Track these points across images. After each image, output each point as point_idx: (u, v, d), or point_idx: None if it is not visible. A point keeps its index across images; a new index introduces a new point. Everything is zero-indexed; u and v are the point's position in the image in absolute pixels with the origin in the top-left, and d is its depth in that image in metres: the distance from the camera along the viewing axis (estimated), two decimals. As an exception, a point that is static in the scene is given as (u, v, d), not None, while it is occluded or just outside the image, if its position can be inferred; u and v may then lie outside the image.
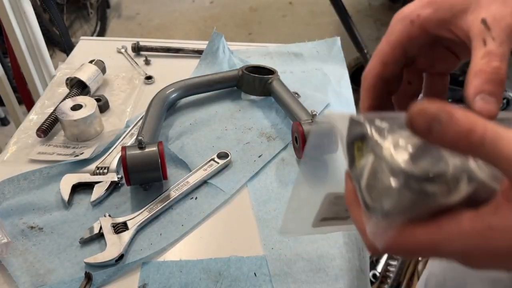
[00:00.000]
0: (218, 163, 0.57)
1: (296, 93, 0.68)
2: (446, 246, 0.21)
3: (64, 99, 0.66)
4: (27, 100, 1.06)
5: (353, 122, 0.23)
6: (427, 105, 0.20)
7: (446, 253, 0.21)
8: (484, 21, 0.25)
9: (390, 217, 0.21)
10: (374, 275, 1.08)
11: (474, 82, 0.23)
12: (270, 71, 0.69)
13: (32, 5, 0.90)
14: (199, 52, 0.79)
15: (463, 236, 0.20)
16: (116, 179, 0.55)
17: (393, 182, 0.20)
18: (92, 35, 2.09)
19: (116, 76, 0.75)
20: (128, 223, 0.49)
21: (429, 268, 0.66)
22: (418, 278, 0.84)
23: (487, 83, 0.23)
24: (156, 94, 0.65)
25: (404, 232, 0.21)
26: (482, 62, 0.24)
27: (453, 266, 0.57)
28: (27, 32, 0.89)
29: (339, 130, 0.24)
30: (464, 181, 0.20)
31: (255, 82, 0.67)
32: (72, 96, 0.66)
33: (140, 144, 0.52)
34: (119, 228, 0.49)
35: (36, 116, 0.66)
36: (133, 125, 0.64)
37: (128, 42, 0.82)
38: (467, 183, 0.21)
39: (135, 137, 0.60)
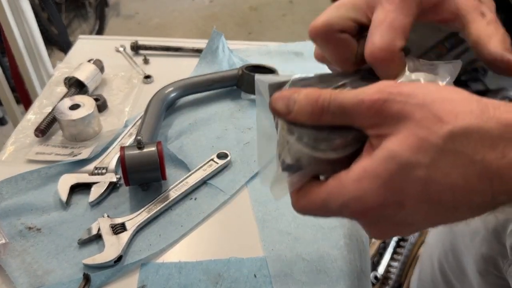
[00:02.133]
0: (217, 163, 0.56)
1: (296, 93, 0.68)
2: (332, 202, 0.23)
3: (62, 98, 0.65)
4: (25, 99, 1.06)
5: (274, 86, 0.27)
6: (282, 91, 0.25)
7: (335, 208, 0.23)
8: None
9: (290, 169, 0.25)
10: (375, 277, 1.08)
11: (492, 45, 0.25)
12: (270, 71, 0.68)
13: (30, 4, 0.90)
14: (198, 51, 0.79)
15: (342, 189, 0.23)
16: (114, 180, 0.54)
17: (289, 138, 0.25)
18: (90, 34, 2.09)
19: (115, 75, 0.74)
20: (127, 224, 0.49)
21: (426, 241, 0.67)
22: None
23: (504, 44, 0.26)
24: (155, 94, 0.64)
25: (304, 192, 0.25)
26: (491, 28, 0.26)
27: (445, 229, 0.58)
28: (25, 31, 0.89)
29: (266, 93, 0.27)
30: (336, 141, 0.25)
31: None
32: (70, 96, 0.65)
33: (139, 144, 0.51)
34: (118, 229, 0.48)
35: (34, 116, 0.66)
36: (131, 125, 0.63)
37: (127, 41, 0.81)
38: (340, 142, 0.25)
39: (134, 137, 0.60)
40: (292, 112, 0.24)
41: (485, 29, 0.26)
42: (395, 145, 0.21)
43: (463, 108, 0.21)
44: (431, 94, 0.21)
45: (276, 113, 0.25)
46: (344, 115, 0.23)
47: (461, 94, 0.22)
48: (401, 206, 0.22)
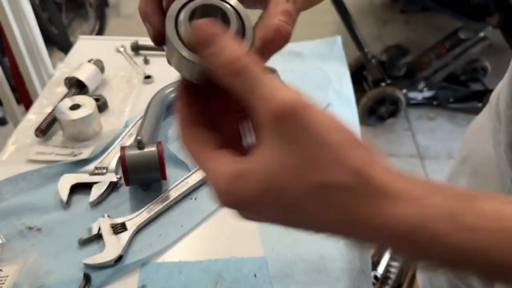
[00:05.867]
0: (217, 163, 0.56)
1: (296, 93, 0.68)
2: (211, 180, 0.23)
3: (62, 98, 0.65)
4: (25, 99, 1.06)
5: None
6: (214, 23, 0.22)
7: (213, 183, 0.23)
8: None
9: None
10: (375, 276, 1.08)
11: (267, 35, 0.26)
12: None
13: (31, 4, 0.90)
14: (198, 51, 0.79)
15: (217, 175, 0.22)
16: (115, 180, 0.54)
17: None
18: (91, 34, 2.08)
19: (115, 75, 0.74)
20: (127, 223, 0.49)
21: None
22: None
23: (278, 41, 0.27)
24: (155, 94, 0.64)
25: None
26: (281, 18, 0.25)
27: None
28: (25, 31, 0.89)
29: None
30: None
31: (255, 82, 0.67)
32: (71, 96, 0.65)
33: (139, 144, 0.51)
34: (118, 228, 0.48)
35: (34, 116, 0.66)
36: (132, 125, 0.63)
37: (127, 41, 0.81)
38: None
39: (134, 137, 0.60)
40: (208, 50, 0.22)
41: (274, 16, 0.25)
42: (270, 171, 0.20)
43: (344, 163, 0.20)
44: (327, 136, 0.20)
45: (196, 39, 0.22)
46: (245, 94, 0.21)
47: (350, 147, 0.20)
48: (260, 215, 0.23)
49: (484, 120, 0.53)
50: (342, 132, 0.20)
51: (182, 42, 0.24)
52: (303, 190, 0.20)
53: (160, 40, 0.26)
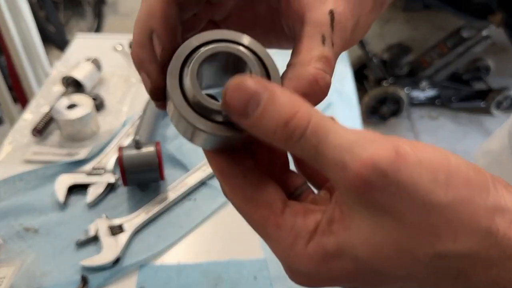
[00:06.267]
0: (217, 163, 0.56)
1: (297, 92, 0.67)
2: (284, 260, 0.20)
3: (59, 98, 0.64)
4: (22, 98, 1.05)
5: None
6: (247, 79, 0.17)
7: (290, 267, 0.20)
8: (331, 14, 0.20)
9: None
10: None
11: (301, 88, 0.19)
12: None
13: (28, 2, 0.89)
14: (197, 50, 0.78)
15: (292, 254, 0.19)
16: (113, 180, 0.54)
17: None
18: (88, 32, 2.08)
19: (113, 74, 0.73)
20: (125, 225, 0.48)
21: None
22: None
23: (315, 95, 0.19)
24: (154, 93, 0.63)
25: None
26: (317, 65, 0.19)
27: None
28: (22, 30, 0.88)
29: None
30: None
31: (255, 80, 0.66)
32: (68, 95, 0.65)
33: (137, 144, 0.51)
34: (116, 230, 0.47)
35: (31, 116, 0.65)
36: (130, 124, 0.63)
37: (125, 39, 0.80)
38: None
39: (132, 137, 0.59)
40: (249, 118, 0.17)
41: (309, 65, 0.20)
42: (367, 248, 0.17)
43: (466, 225, 0.16)
44: (436, 194, 0.16)
45: (228, 108, 0.17)
46: (312, 159, 0.17)
47: (473, 203, 0.16)
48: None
49: (502, 150, 0.46)
50: (452, 185, 0.16)
51: (188, 102, 0.18)
52: (411, 267, 0.17)
53: (159, 95, 0.21)
